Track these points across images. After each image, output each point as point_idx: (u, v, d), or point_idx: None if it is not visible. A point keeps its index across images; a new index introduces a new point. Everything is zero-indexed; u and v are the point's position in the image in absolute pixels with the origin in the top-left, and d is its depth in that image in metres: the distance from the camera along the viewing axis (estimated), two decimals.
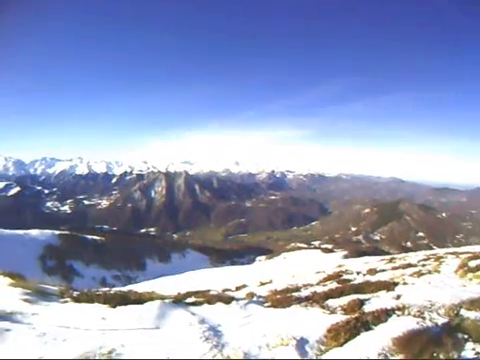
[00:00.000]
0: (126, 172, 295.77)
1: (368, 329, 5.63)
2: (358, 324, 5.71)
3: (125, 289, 14.36)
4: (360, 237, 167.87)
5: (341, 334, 5.41)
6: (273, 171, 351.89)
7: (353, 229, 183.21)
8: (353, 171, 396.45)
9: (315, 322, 6.27)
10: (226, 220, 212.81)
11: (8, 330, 5.17)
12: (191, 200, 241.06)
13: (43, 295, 7.91)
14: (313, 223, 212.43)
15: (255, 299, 10.49)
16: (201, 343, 5.12)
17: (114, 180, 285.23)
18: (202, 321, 6.25)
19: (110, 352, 4.56)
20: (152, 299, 7.62)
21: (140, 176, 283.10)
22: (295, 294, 10.79)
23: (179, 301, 8.11)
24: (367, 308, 7.53)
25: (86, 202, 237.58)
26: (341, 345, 5.18)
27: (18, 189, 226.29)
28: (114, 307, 6.94)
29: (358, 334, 5.43)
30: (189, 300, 9.09)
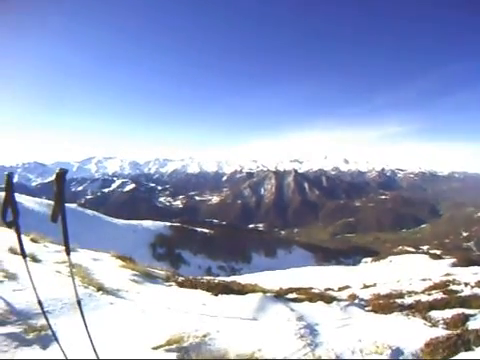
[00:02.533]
0: (236, 170, 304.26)
1: (468, 349, 4.99)
2: (458, 342, 5.10)
3: (228, 279, 14.61)
4: (471, 244, 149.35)
5: (439, 351, 4.90)
6: (383, 169, 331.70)
7: (464, 234, 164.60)
8: (467, 169, 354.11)
9: (414, 334, 5.76)
10: (334, 219, 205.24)
11: (112, 304, 5.58)
12: (300, 198, 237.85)
13: (150, 277, 8.36)
14: (423, 226, 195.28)
15: (357, 302, 10.10)
16: (295, 340, 4.96)
17: (224, 178, 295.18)
18: (300, 318, 6.03)
19: (204, 336, 4.59)
20: (254, 291, 7.58)
21: (250, 174, 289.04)
22: (398, 301, 10.20)
23: (280, 296, 7.94)
24: (471, 325, 6.71)
25: (197, 198, 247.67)
26: None
27: (133, 186, 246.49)
28: (216, 295, 7.05)
29: (457, 353, 4.87)
30: (290, 296, 8.92)
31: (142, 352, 4.04)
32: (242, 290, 7.65)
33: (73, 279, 2.94)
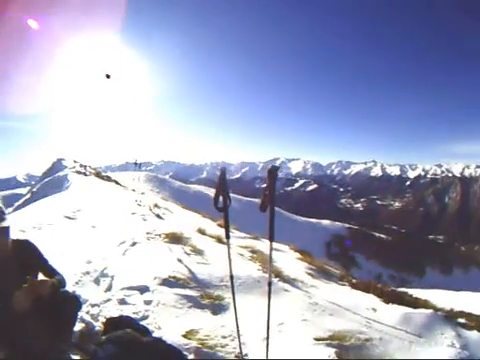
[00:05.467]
0: (420, 175, 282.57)
1: None
2: None
3: (399, 290, 13.93)
4: None
5: None
6: None
7: None
8: None
9: None
10: None
11: (286, 291, 5.83)
12: None
13: (325, 274, 8.50)
14: None
15: None
16: None
17: (408, 183, 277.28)
18: (465, 347, 5.39)
19: (367, 340, 4.58)
20: (426, 307, 7.07)
21: (434, 180, 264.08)
22: None
23: (450, 318, 7.23)
24: None
25: (379, 202, 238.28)
26: None
27: (315, 186, 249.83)
28: (387, 303, 6.81)
29: None
30: (460, 320, 8.05)
31: (304, 340, 4.22)
32: (414, 303, 7.19)
33: (271, 262, 3.31)
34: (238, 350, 3.62)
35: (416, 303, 7.26)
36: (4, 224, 2.96)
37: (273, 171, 2.92)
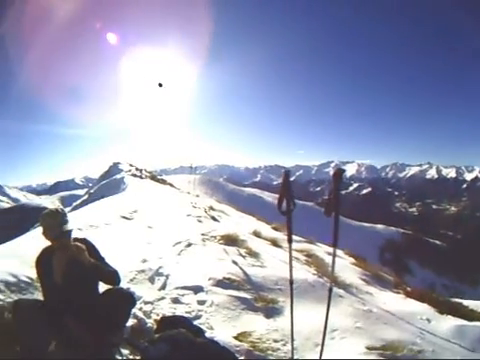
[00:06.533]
0: (477, 178, 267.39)
1: None
2: None
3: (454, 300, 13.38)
4: None
5: None
6: None
7: None
8: None
9: None
10: None
11: (341, 297, 5.75)
12: None
13: (379, 280, 8.36)
14: None
15: None
16: None
17: (464, 186, 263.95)
18: None
19: (419, 351, 4.42)
20: None
21: None
22: None
23: None
24: None
25: (434, 206, 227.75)
26: None
27: (369, 190, 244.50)
28: (441, 313, 6.56)
29: None
30: None
31: (356, 348, 4.13)
32: (469, 315, 6.85)
33: (333, 268, 3.15)
34: (290, 355, 3.62)
35: (472, 315, 6.96)
36: (68, 227, 3.14)
37: (338, 173, 2.76)
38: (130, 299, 3.35)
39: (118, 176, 28.93)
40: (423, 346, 4.58)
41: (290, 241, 3.20)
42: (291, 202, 3.00)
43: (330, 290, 3.06)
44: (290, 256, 3.22)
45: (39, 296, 3.30)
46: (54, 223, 3.09)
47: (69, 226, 3.17)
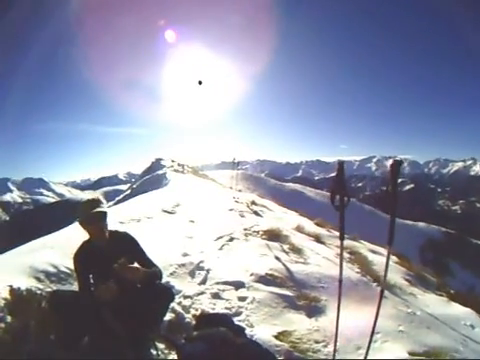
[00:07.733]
0: None
1: None
2: None
3: None
4: None
5: None
6: None
7: None
8: None
9: None
10: None
11: (384, 297, 5.50)
12: None
13: (422, 281, 8.09)
14: None
15: None
16: None
17: None
18: None
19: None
20: None
21: None
22: None
23: None
24: None
25: (478, 205, 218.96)
26: None
27: (412, 186, 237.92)
28: None
29: None
30: None
31: (397, 353, 4.00)
32: None
33: (386, 269, 3.05)
34: (331, 357, 3.54)
35: None
36: (102, 209, 3.17)
37: (396, 165, 2.65)
38: (169, 295, 3.35)
39: (160, 171, 29.45)
40: (465, 354, 4.44)
41: (342, 238, 3.14)
42: (344, 196, 2.93)
43: (382, 292, 2.99)
44: (341, 254, 3.16)
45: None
46: (86, 206, 3.15)
47: (103, 208, 3.20)
